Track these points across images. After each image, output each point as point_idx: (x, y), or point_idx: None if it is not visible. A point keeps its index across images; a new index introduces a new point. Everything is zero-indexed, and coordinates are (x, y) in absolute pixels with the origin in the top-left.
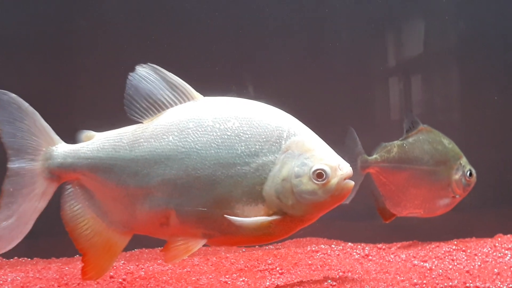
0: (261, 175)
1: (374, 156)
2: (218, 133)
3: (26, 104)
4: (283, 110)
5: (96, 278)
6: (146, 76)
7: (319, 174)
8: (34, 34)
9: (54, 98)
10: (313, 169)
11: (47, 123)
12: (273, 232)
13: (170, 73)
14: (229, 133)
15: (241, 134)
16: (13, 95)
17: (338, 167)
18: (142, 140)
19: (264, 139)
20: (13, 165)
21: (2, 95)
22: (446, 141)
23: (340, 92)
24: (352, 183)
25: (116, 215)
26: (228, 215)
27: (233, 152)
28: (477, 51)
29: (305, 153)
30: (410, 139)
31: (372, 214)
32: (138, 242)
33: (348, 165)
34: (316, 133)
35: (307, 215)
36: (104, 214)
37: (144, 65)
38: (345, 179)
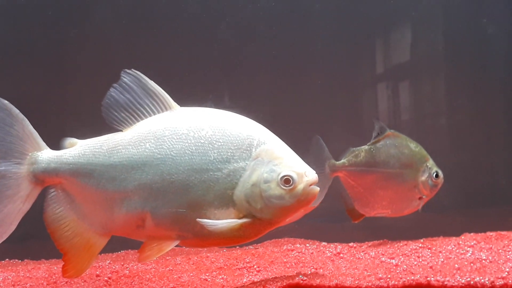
0: (232, 180)
1: (342, 160)
2: (192, 141)
3: (17, 111)
4: (262, 117)
5: (76, 276)
6: (128, 84)
7: (287, 180)
8: (27, 42)
9: (44, 105)
10: (281, 175)
11: (35, 128)
12: (243, 234)
13: (151, 81)
14: (202, 141)
15: (214, 142)
16: (5, 101)
17: (305, 174)
18: (120, 147)
19: (236, 147)
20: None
21: None
22: (412, 145)
23: (317, 100)
24: (317, 189)
25: (95, 217)
26: (200, 217)
27: (206, 159)
28: (458, 57)
29: (273, 160)
30: (378, 144)
31: (346, 216)
32: (124, 243)
33: (314, 172)
34: (293, 140)
35: (275, 218)
36: (84, 216)
37: (128, 71)
38: (310, 185)
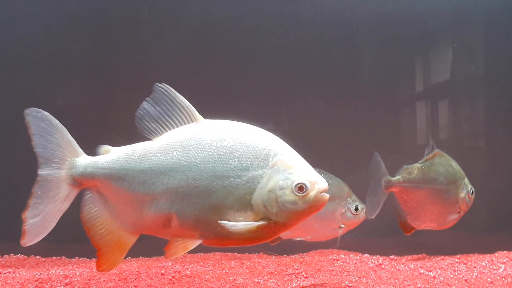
0: (251, 186)
1: (397, 177)
2: (215, 150)
3: (56, 121)
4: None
5: (108, 270)
6: (158, 97)
7: (300, 187)
8: (66, 55)
9: (81, 115)
10: (295, 183)
11: (73, 137)
12: (259, 235)
13: (180, 95)
14: (224, 150)
15: (235, 152)
16: (46, 113)
17: (316, 182)
18: (150, 154)
19: (254, 156)
20: (42, 171)
21: (37, 112)
22: (454, 163)
23: (370, 119)
24: (327, 196)
25: (126, 217)
26: (221, 219)
27: (228, 166)
28: (503, 78)
29: (288, 169)
30: (427, 162)
31: (388, 231)
32: None
33: (325, 180)
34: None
35: (288, 222)
36: (117, 216)
37: (159, 85)
38: (321, 192)
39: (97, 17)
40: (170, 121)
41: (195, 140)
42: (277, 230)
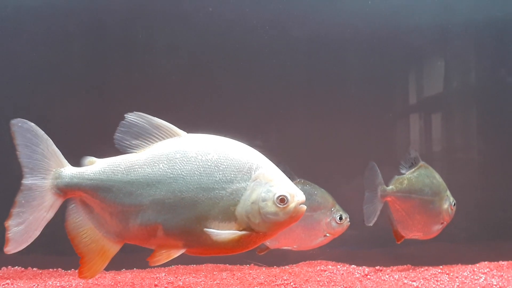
0: (235, 198)
1: (391, 186)
2: (201, 163)
3: (42, 132)
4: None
5: (90, 277)
6: (134, 121)
7: (282, 199)
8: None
9: (65, 126)
10: (277, 195)
11: (58, 147)
12: (241, 244)
13: (155, 117)
14: (209, 163)
15: (219, 165)
16: (32, 123)
17: (295, 194)
18: (137, 166)
19: (238, 170)
20: (27, 181)
21: (23, 123)
22: (437, 176)
23: (364, 129)
24: (304, 207)
25: (111, 227)
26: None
27: (213, 179)
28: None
29: (269, 182)
30: (415, 173)
31: (376, 242)
32: (176, 259)
33: (302, 193)
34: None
35: (269, 232)
36: (101, 225)
37: (131, 113)
38: (300, 204)
39: (94, 34)
40: (152, 137)
41: (180, 153)
42: (257, 240)
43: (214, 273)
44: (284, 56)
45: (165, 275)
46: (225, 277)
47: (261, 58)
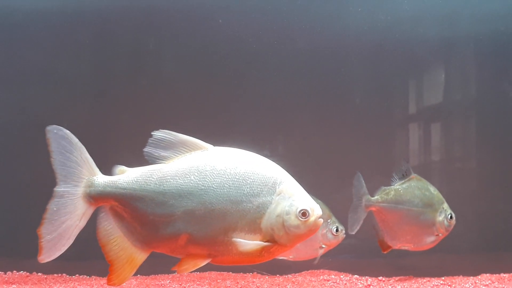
0: (260, 211)
1: (376, 197)
2: (229, 176)
3: (76, 139)
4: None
5: (118, 284)
6: (161, 137)
7: (304, 213)
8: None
9: (97, 136)
10: (299, 209)
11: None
12: (263, 255)
13: (180, 134)
14: (237, 177)
15: (247, 179)
16: (67, 130)
17: (315, 209)
18: (169, 177)
19: (264, 184)
20: (59, 188)
21: (58, 130)
22: (432, 188)
23: (364, 139)
24: (321, 221)
25: (140, 235)
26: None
27: (241, 192)
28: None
29: (292, 196)
30: (404, 185)
31: (379, 252)
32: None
33: (319, 207)
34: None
35: (289, 243)
36: (131, 234)
37: (157, 131)
38: (319, 217)
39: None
40: (180, 151)
41: (210, 166)
42: (278, 251)
43: (218, 281)
44: (290, 66)
45: (169, 282)
46: (229, 285)
47: (268, 68)
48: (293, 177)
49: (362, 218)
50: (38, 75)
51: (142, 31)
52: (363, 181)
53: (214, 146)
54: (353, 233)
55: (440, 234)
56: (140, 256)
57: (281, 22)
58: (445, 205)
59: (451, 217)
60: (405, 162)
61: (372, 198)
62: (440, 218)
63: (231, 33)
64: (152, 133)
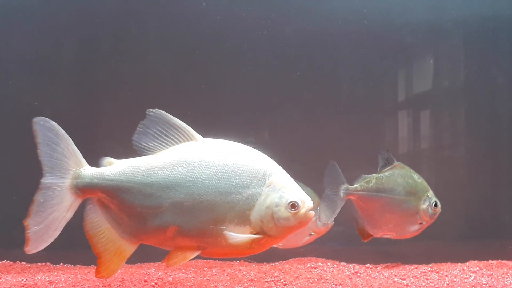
0: (250, 203)
1: (355, 185)
2: (218, 168)
3: (63, 131)
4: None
5: (107, 277)
6: (154, 120)
7: (293, 205)
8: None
9: (83, 127)
10: (289, 201)
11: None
12: (253, 247)
13: (174, 117)
14: (226, 168)
15: (236, 170)
16: (53, 122)
17: (305, 201)
18: (156, 168)
19: (253, 175)
20: (46, 180)
21: (44, 122)
22: (416, 176)
23: (353, 127)
24: (313, 213)
25: (128, 227)
26: (221, 232)
27: (230, 184)
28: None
29: (282, 188)
30: (386, 173)
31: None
32: (163, 253)
33: (311, 199)
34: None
35: (279, 235)
36: (118, 226)
37: (152, 110)
38: (309, 210)
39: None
40: (169, 139)
41: (198, 157)
42: (268, 243)
43: (204, 269)
44: (275, 53)
45: (154, 270)
46: (215, 273)
47: (253, 55)
48: (280, 165)
49: (340, 207)
50: (20, 63)
51: (124, 17)
52: (339, 170)
53: (202, 136)
54: (329, 221)
55: (424, 222)
56: (129, 249)
57: (267, 7)
58: (430, 193)
59: (435, 205)
60: (385, 150)
61: (351, 186)
62: (424, 206)
63: (216, 17)
64: (147, 111)
